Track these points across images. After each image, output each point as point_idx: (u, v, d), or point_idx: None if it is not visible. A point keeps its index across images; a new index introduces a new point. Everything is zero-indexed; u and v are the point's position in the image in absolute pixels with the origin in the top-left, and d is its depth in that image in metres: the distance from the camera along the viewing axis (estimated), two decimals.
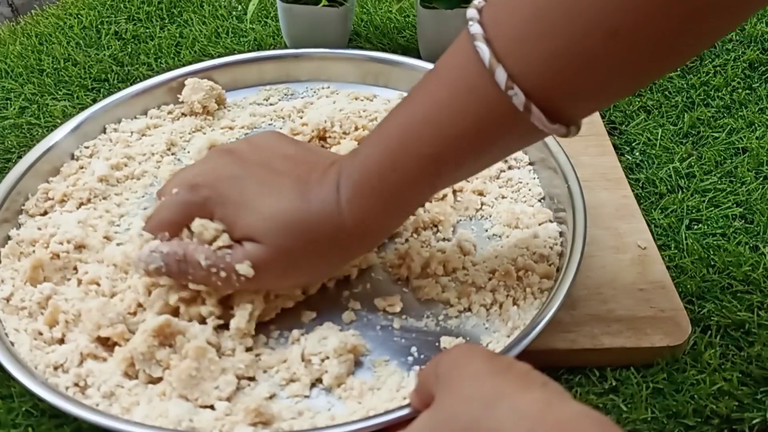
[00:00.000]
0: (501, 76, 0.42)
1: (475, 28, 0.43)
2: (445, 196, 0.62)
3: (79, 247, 0.58)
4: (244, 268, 0.48)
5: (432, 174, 0.47)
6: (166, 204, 0.51)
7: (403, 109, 0.48)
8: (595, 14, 0.39)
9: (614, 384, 0.52)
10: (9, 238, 0.60)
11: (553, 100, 0.43)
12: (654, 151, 0.71)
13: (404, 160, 0.47)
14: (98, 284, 0.56)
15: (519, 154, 0.66)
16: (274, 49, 0.84)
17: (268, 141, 0.54)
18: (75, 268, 0.57)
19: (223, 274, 0.49)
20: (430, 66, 0.72)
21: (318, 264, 0.51)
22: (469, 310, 0.54)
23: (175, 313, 0.52)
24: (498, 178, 0.65)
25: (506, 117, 0.43)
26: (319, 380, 0.51)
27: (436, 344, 0.53)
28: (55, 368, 0.51)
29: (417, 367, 0.52)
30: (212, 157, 0.53)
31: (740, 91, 0.78)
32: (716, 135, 0.73)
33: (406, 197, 0.49)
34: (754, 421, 0.50)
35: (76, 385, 0.50)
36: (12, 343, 0.52)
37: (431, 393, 0.42)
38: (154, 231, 0.51)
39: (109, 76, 0.82)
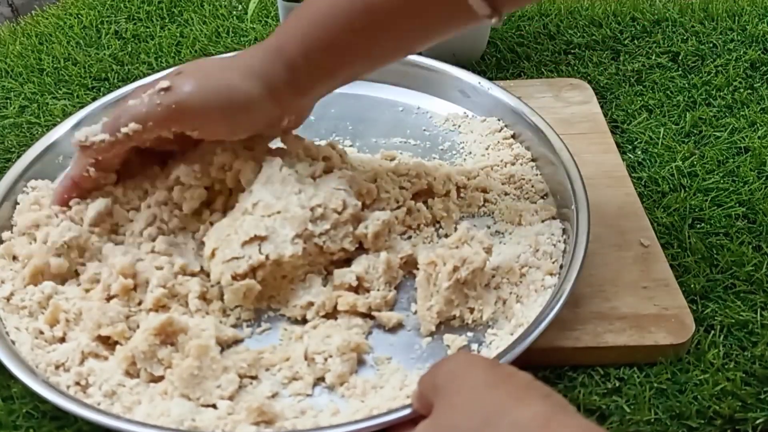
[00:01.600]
0: None
1: None
2: (448, 192, 0.62)
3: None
4: (163, 82, 0.52)
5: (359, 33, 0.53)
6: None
7: None
8: None
9: (617, 384, 0.52)
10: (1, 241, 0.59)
11: None
12: (656, 150, 0.71)
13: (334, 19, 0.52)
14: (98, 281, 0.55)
15: (521, 150, 0.66)
16: None
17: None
18: (75, 272, 0.57)
19: (146, 98, 0.53)
20: (427, 61, 0.73)
21: (229, 90, 0.53)
22: (472, 307, 0.54)
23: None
24: (501, 173, 0.65)
25: None
26: (322, 379, 0.51)
27: (441, 342, 0.53)
28: (56, 367, 0.51)
29: (420, 365, 0.52)
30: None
31: (742, 90, 0.77)
32: (718, 134, 0.73)
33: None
34: (758, 421, 0.50)
35: (78, 384, 0.50)
36: (13, 342, 0.51)
37: (430, 402, 0.42)
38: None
39: (109, 75, 0.81)
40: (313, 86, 0.56)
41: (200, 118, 0.53)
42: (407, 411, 0.45)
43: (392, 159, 0.66)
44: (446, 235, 0.59)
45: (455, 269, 0.52)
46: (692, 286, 0.58)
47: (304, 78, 0.55)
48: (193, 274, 0.56)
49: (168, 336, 0.50)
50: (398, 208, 0.60)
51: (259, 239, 0.53)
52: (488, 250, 0.54)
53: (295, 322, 0.55)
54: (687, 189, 0.67)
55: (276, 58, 0.54)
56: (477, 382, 0.40)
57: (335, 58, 0.54)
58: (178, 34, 0.87)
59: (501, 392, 0.39)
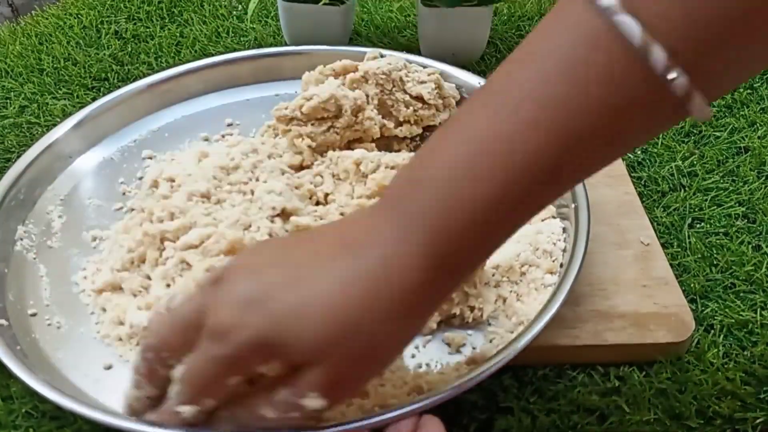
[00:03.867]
0: (658, 55, 0.32)
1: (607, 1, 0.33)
2: None
3: None
4: (314, 402, 0.37)
5: (544, 183, 0.36)
6: (198, 364, 0.38)
7: (491, 104, 0.36)
8: None
9: (617, 384, 0.52)
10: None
11: (709, 76, 0.33)
12: (656, 150, 0.71)
13: (506, 162, 0.35)
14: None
15: None
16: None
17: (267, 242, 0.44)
18: None
19: (297, 414, 0.37)
20: (427, 61, 0.72)
21: (396, 339, 0.38)
22: (473, 305, 0.54)
23: None
24: None
25: (652, 104, 0.34)
26: None
27: (441, 339, 0.53)
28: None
29: (419, 362, 0.52)
30: (219, 285, 0.39)
31: (741, 90, 0.77)
32: (718, 134, 0.73)
33: (504, 216, 0.37)
34: (758, 421, 0.50)
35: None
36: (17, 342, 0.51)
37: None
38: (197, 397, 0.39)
39: (109, 75, 0.81)
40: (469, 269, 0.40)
41: None
42: (409, 408, 0.45)
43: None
44: None
45: None
46: (692, 285, 0.58)
47: (455, 266, 0.38)
48: None
49: None
50: None
51: None
52: None
53: None
54: (687, 188, 0.67)
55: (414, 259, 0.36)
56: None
57: (502, 227, 0.38)
58: (178, 34, 0.87)
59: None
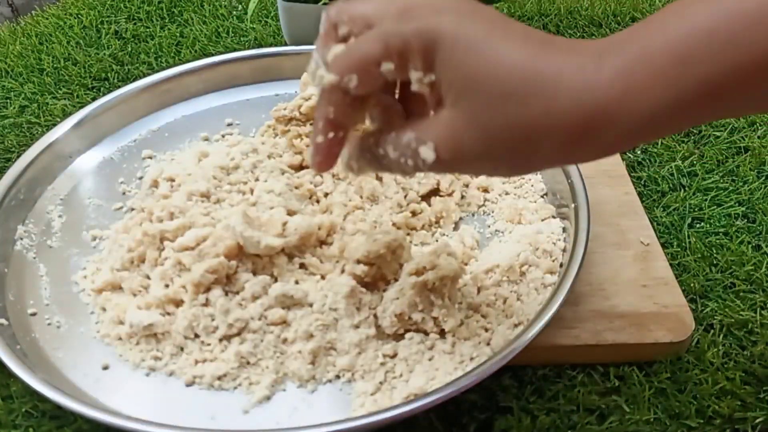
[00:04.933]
0: None
1: None
2: (453, 192, 0.62)
3: None
4: (427, 152, 0.38)
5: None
6: (367, 37, 0.38)
7: None
8: None
9: (617, 384, 0.52)
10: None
11: None
12: (655, 150, 0.71)
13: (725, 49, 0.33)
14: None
15: None
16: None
17: None
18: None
19: (410, 162, 0.39)
20: None
21: (531, 147, 0.37)
22: (436, 316, 0.52)
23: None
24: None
25: None
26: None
27: (438, 339, 0.53)
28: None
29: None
30: None
31: None
32: (718, 134, 0.73)
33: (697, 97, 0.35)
34: (757, 421, 0.50)
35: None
36: (16, 342, 0.51)
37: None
38: (344, 71, 0.38)
39: (109, 75, 0.82)
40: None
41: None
42: (405, 408, 0.45)
43: None
44: (444, 235, 0.60)
45: (423, 270, 0.51)
46: (692, 285, 0.58)
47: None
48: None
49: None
50: (401, 211, 0.60)
51: None
52: (463, 264, 0.55)
53: None
54: (686, 188, 0.67)
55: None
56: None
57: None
58: (178, 34, 0.87)
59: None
